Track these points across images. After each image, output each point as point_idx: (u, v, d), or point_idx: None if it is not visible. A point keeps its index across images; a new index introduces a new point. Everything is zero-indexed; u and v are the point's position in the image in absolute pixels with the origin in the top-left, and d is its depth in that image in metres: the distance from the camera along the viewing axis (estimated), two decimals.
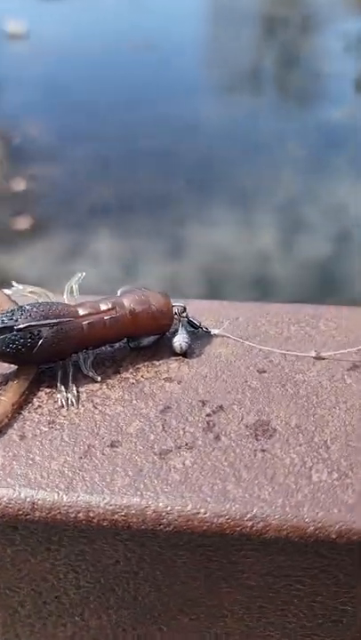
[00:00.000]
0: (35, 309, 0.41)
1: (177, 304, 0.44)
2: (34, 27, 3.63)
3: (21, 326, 0.40)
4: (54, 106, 3.42)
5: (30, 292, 0.44)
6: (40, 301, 0.43)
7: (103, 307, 0.42)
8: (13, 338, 0.40)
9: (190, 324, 0.45)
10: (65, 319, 0.41)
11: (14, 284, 0.45)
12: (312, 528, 0.34)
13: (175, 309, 0.44)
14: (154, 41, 3.47)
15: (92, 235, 2.66)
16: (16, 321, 0.40)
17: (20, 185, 3.09)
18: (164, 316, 0.43)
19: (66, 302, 0.44)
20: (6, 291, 0.44)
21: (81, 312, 0.42)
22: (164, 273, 2.35)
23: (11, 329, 0.40)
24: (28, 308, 0.41)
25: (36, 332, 0.40)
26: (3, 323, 0.40)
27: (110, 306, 0.42)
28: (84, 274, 0.45)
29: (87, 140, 3.25)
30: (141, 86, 3.30)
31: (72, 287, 0.44)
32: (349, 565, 0.34)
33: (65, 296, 0.44)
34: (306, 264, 2.26)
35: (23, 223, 2.89)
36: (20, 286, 0.45)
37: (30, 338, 0.40)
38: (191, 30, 3.78)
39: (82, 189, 2.94)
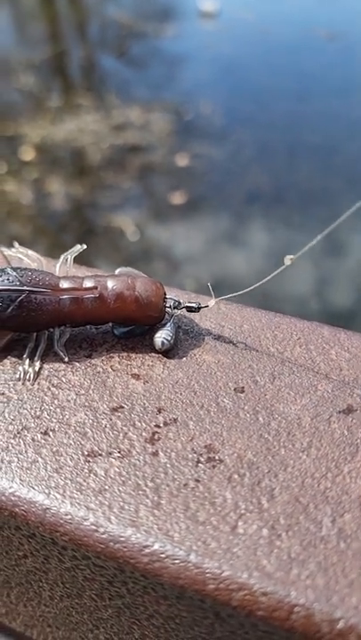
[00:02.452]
0: (15, 274, 0.39)
1: (171, 296, 0.40)
2: (226, 7, 3.64)
3: None
4: (229, 87, 3.41)
5: (27, 256, 0.42)
6: (29, 268, 0.41)
7: (87, 284, 0.39)
8: None
9: (189, 309, 0.40)
10: (42, 290, 0.38)
11: (15, 245, 0.43)
12: (212, 587, 0.28)
13: (169, 302, 0.40)
14: (338, 33, 3.32)
15: (242, 221, 2.62)
16: None
17: (183, 160, 3.13)
18: (151, 305, 0.39)
19: (56, 273, 0.41)
20: (5, 250, 0.42)
21: (62, 285, 0.39)
22: (314, 273, 2.26)
23: None
24: (9, 271, 0.39)
25: (9, 297, 0.38)
26: None
27: (93, 284, 0.39)
28: (84, 246, 0.42)
29: (254, 126, 3.20)
30: (318, 78, 3.18)
31: (67, 258, 0.41)
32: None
33: (57, 267, 0.41)
34: None
35: (179, 198, 2.93)
36: (21, 248, 0.43)
37: (2, 302, 0.38)
38: None
39: (240, 174, 2.92)
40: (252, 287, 0.37)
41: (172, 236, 2.73)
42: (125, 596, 0.32)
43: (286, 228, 2.51)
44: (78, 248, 0.42)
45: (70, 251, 0.42)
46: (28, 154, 3.31)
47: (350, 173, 2.79)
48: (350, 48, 3.25)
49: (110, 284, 0.39)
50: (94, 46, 4.14)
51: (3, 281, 0.38)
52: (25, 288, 0.38)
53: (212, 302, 0.39)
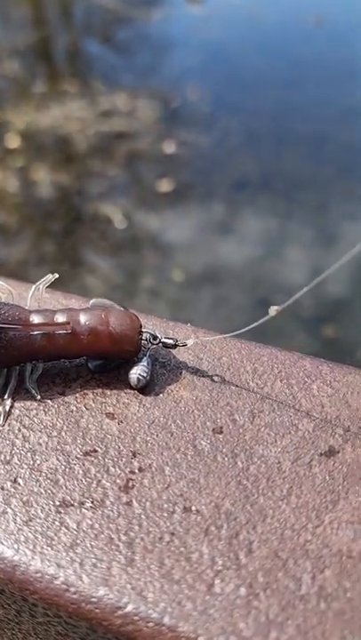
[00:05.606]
0: None
1: (147, 330, 0.38)
2: None
3: None
4: (216, 73, 3.37)
5: None
6: None
7: (59, 319, 0.37)
8: None
9: (165, 345, 0.38)
10: (11, 325, 0.37)
11: None
12: None
13: (144, 335, 0.38)
14: (326, 18, 3.28)
15: (231, 209, 2.60)
16: None
17: (170, 148, 3.10)
18: (125, 340, 0.37)
19: (27, 306, 0.39)
20: None
21: (33, 320, 0.37)
22: (308, 262, 2.24)
23: None
24: None
25: None
26: None
27: (65, 319, 0.37)
28: (56, 275, 0.40)
29: (242, 113, 3.17)
30: (308, 64, 3.15)
31: (39, 288, 0.40)
32: None
33: (29, 298, 0.40)
34: None
35: (166, 186, 2.90)
36: None
37: None
38: None
39: (228, 162, 2.89)
40: (232, 334, 0.36)
41: (160, 224, 2.70)
42: None
43: (275, 215, 2.50)
44: (50, 278, 0.40)
45: (42, 280, 0.40)
46: (12, 141, 3.26)
47: (341, 161, 2.77)
48: (340, 33, 3.21)
49: (83, 318, 0.37)
50: (79, 31, 4.07)
51: None
52: None
53: (190, 342, 0.37)
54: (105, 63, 3.65)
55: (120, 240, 2.66)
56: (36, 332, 0.37)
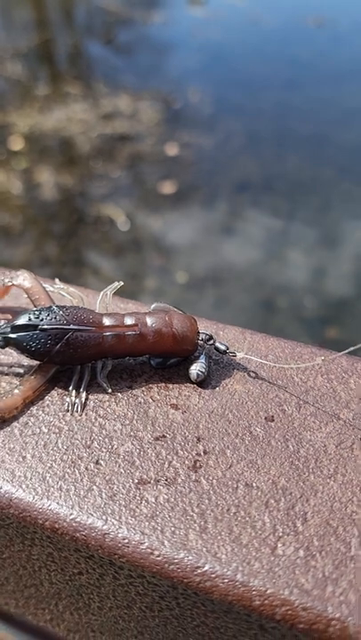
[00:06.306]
0: (62, 312, 0.42)
1: (203, 331, 0.43)
2: None
3: (45, 327, 0.42)
4: (217, 75, 3.41)
5: (68, 293, 0.45)
6: (71, 305, 0.44)
7: (128, 321, 0.42)
8: (35, 336, 0.42)
9: (216, 349, 0.43)
10: (87, 327, 0.42)
11: (57, 281, 0.47)
12: (257, 602, 0.32)
13: (201, 336, 0.43)
14: (326, 19, 3.32)
15: (233, 210, 2.64)
16: (41, 320, 0.42)
17: (172, 149, 3.14)
18: (186, 340, 0.42)
19: (97, 310, 0.44)
20: (48, 287, 0.46)
21: (105, 323, 0.42)
22: (310, 263, 2.28)
23: (35, 327, 0.42)
24: (56, 309, 0.42)
25: (57, 335, 0.41)
26: (29, 320, 0.42)
27: (134, 322, 0.42)
28: (121, 283, 0.45)
29: (244, 115, 3.21)
30: (308, 66, 3.19)
31: (107, 294, 0.45)
32: None
33: (98, 303, 0.45)
34: None
35: (169, 188, 2.95)
36: (62, 285, 0.46)
37: (51, 339, 0.42)
38: None
39: (229, 163, 2.93)
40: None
41: (163, 225, 2.74)
42: (175, 609, 0.36)
43: (278, 216, 2.54)
44: (116, 285, 0.45)
45: (109, 287, 0.45)
46: (16, 143, 3.29)
47: (342, 162, 2.81)
48: (341, 35, 3.25)
49: (150, 321, 0.42)
50: (81, 33, 4.10)
51: (50, 320, 0.42)
52: (71, 327, 0.42)
53: (240, 355, 0.43)
54: (107, 65, 3.68)
55: (123, 241, 2.70)
56: (108, 334, 0.42)
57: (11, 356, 0.45)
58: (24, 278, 0.45)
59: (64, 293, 0.45)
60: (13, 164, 3.24)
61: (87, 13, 4.15)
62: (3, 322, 0.43)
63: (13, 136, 3.37)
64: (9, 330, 0.42)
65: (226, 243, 2.66)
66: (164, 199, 2.97)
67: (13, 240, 2.87)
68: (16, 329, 0.42)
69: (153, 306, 0.45)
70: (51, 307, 0.43)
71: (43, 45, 3.97)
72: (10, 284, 0.46)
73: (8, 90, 3.66)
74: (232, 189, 2.83)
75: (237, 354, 0.43)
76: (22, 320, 0.42)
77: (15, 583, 0.45)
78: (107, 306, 0.45)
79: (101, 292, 0.45)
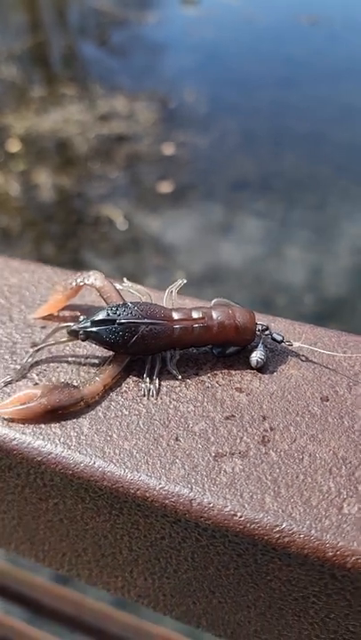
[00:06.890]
0: (136, 308, 0.47)
1: (260, 322, 0.49)
2: None
3: (122, 321, 0.47)
4: (212, 74, 3.45)
5: (136, 291, 0.51)
6: (142, 301, 0.49)
7: (195, 315, 0.48)
8: (114, 330, 0.47)
9: (273, 339, 0.49)
10: (159, 321, 0.47)
11: (125, 280, 0.52)
12: (330, 554, 0.38)
13: (258, 326, 0.49)
14: (320, 17, 3.36)
15: (230, 209, 2.69)
16: (118, 315, 0.47)
17: (169, 149, 3.18)
18: (247, 331, 0.48)
19: (164, 305, 0.50)
20: (118, 285, 0.51)
21: (175, 317, 0.48)
22: (307, 261, 2.32)
23: (113, 322, 0.47)
24: (131, 305, 0.47)
25: (132, 328, 0.47)
26: (108, 315, 0.47)
27: (201, 315, 0.47)
28: (184, 281, 0.50)
29: (239, 114, 3.25)
30: (303, 64, 3.23)
31: (172, 291, 0.50)
32: None
33: (164, 299, 0.50)
34: None
35: (166, 187, 2.99)
36: (130, 284, 0.51)
37: (127, 332, 0.47)
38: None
39: (226, 162, 2.97)
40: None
41: (161, 225, 2.78)
42: (251, 566, 0.42)
43: (275, 215, 2.59)
44: (180, 282, 0.50)
45: (174, 284, 0.50)
46: (13, 145, 3.32)
47: (339, 160, 2.86)
48: (335, 32, 3.30)
49: (215, 314, 0.47)
50: (75, 35, 4.12)
51: (127, 314, 0.47)
52: (145, 320, 0.47)
53: (296, 344, 0.48)
54: (102, 66, 3.72)
55: (122, 241, 2.74)
56: (177, 327, 0.47)
57: (85, 348, 0.50)
58: (95, 278, 0.50)
59: (133, 291, 0.51)
60: (11, 165, 3.27)
61: (80, 15, 4.18)
62: (82, 317, 0.48)
63: (10, 138, 3.39)
64: (89, 324, 0.47)
65: (224, 241, 2.70)
66: (161, 199, 3.01)
67: (12, 242, 2.89)
68: (95, 323, 0.47)
69: (214, 301, 0.50)
70: (126, 303, 0.48)
71: (37, 47, 3.99)
72: (82, 283, 0.51)
73: (3, 92, 3.68)
74: (229, 188, 2.87)
75: (293, 343, 0.48)
76: (101, 315, 0.47)
77: (92, 554, 0.50)
78: (173, 302, 0.50)
79: (167, 290, 0.50)
